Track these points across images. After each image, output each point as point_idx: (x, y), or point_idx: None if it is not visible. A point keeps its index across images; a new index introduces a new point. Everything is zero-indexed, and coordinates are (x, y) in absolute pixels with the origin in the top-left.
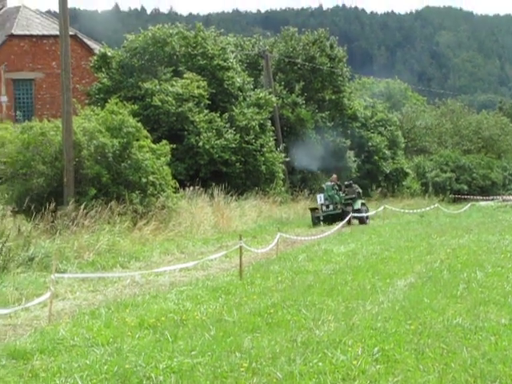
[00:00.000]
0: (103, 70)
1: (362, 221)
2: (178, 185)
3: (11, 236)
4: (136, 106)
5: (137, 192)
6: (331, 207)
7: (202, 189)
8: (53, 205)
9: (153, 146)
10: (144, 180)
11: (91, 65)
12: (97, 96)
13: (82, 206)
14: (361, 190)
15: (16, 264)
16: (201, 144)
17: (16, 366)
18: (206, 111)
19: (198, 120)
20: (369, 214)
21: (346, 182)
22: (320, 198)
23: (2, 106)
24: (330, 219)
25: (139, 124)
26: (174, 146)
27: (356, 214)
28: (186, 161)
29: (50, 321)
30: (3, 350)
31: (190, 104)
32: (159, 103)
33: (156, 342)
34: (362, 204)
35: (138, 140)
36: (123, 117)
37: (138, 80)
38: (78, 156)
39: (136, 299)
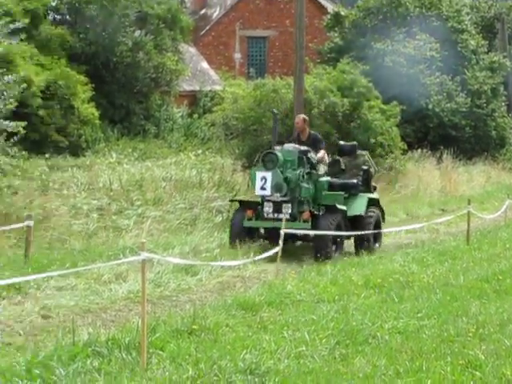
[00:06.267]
0: (336, 29)
1: (364, 244)
2: (406, 147)
3: (241, 190)
4: (367, 67)
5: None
6: (286, 210)
7: (429, 152)
8: None
9: (383, 106)
10: (373, 140)
11: (324, 24)
12: (328, 55)
13: None
14: (375, 168)
15: None
16: (430, 107)
17: (245, 316)
18: (437, 74)
19: (428, 82)
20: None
21: (341, 142)
22: (262, 182)
23: (235, 63)
24: (276, 237)
25: (370, 84)
26: (404, 107)
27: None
28: (415, 123)
29: (277, 275)
30: (233, 301)
31: (422, 66)
32: (390, 64)
33: (382, 302)
34: (371, 203)
35: (368, 100)
36: (354, 76)
37: (370, 40)
38: (308, 114)
39: (362, 259)
